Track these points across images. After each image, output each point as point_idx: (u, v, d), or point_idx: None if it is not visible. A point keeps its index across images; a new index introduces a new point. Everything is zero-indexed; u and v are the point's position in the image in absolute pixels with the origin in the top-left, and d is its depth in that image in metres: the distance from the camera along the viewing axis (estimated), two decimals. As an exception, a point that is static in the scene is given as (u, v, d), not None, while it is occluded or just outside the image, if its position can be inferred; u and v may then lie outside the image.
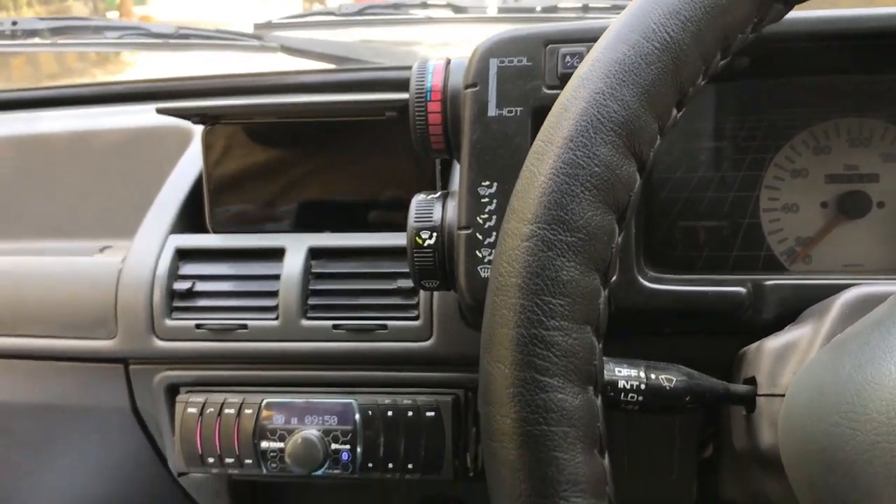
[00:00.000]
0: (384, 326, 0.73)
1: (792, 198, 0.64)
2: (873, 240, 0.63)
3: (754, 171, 0.64)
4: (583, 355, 0.35)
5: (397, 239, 0.75)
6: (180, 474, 0.79)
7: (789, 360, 0.48)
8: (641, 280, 0.57)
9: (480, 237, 0.57)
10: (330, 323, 0.73)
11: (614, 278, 0.57)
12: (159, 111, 0.76)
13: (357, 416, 0.72)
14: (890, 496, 0.31)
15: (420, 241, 0.60)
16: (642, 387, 0.47)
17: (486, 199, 0.57)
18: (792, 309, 0.54)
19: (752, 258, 0.64)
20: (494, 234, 0.57)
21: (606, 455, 0.36)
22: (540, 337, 0.35)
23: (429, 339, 0.72)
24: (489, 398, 0.36)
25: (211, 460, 0.74)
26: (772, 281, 0.57)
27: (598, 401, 0.36)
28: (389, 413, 0.71)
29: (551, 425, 0.34)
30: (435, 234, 0.60)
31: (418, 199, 0.62)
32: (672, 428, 0.69)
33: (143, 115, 0.95)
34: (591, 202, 0.36)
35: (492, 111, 0.57)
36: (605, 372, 0.47)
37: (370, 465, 0.71)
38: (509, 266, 0.36)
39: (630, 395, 0.47)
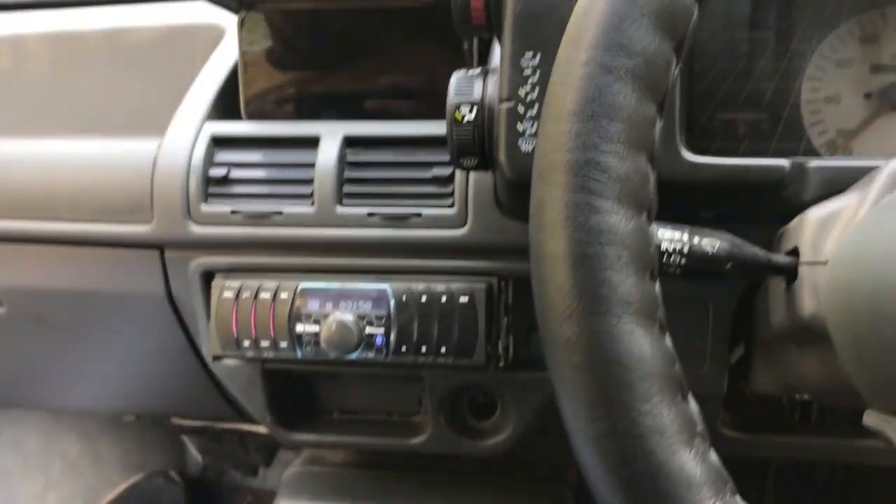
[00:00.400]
0: (418, 214, 0.73)
1: (835, 89, 0.63)
2: (917, 131, 0.62)
3: (796, 61, 0.63)
4: (637, 181, 0.35)
5: (432, 127, 0.74)
6: (215, 358, 0.80)
7: (833, 227, 0.47)
8: (685, 153, 0.57)
9: (522, 110, 0.57)
10: (365, 210, 0.74)
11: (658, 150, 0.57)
12: (197, -7, 0.76)
13: (391, 301, 0.72)
14: None
15: (459, 117, 0.60)
16: (685, 250, 0.46)
17: (529, 71, 0.56)
18: (834, 190, 0.53)
19: (791, 150, 0.63)
20: (536, 106, 0.56)
21: (658, 283, 0.36)
22: (595, 161, 0.35)
23: (463, 226, 0.72)
24: (541, 224, 0.36)
25: (246, 343, 0.75)
26: (815, 162, 0.56)
27: (651, 228, 0.36)
28: (423, 298, 0.72)
29: (604, 246, 0.34)
30: (475, 110, 0.60)
31: (458, 76, 0.62)
32: (706, 320, 0.69)
33: (177, 13, 0.95)
34: (650, 27, 0.36)
35: None
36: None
37: (403, 348, 0.72)
38: (564, 92, 0.36)
39: (673, 257, 0.46)
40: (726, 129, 0.64)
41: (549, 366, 0.37)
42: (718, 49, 0.64)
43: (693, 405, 0.36)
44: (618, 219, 0.35)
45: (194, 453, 1.50)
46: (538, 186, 0.37)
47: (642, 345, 0.34)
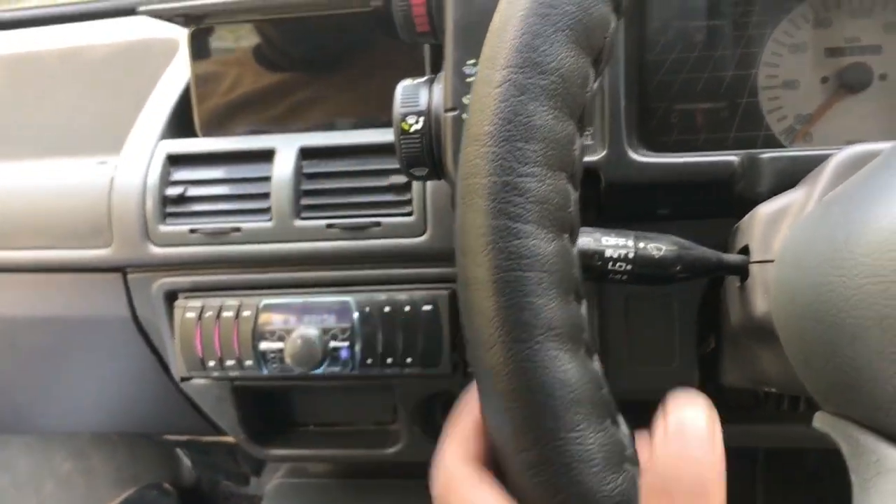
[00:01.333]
0: (378, 223, 0.72)
1: (791, 74, 0.62)
2: (875, 113, 0.61)
3: (752, 48, 0.62)
4: (557, 202, 0.34)
5: (388, 135, 0.73)
6: (183, 379, 0.79)
7: (782, 223, 0.47)
8: (631, 153, 0.56)
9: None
10: (324, 222, 0.73)
11: (604, 153, 0.56)
12: (142, 12, 0.75)
13: (355, 314, 0.72)
14: (874, 338, 0.31)
15: (407, 127, 0.59)
16: (630, 255, 0.46)
17: (473, 79, 0.55)
18: (788, 182, 0.52)
19: (750, 139, 0.62)
20: None
21: (584, 304, 0.36)
22: (512, 184, 0.34)
23: (423, 234, 0.72)
24: (464, 248, 0.35)
25: (212, 364, 0.74)
26: (768, 154, 0.55)
27: (574, 249, 0.35)
28: (386, 309, 0.71)
29: (525, 271, 0.33)
30: (422, 119, 0.59)
31: (404, 85, 0.60)
32: (672, 315, 0.68)
33: (131, 28, 0.93)
34: (564, 43, 0.34)
35: None
36: (592, 242, 0.46)
37: (369, 360, 0.71)
38: (480, 114, 0.35)
39: (618, 263, 0.46)
40: (684, 120, 0.63)
41: (478, 394, 0.36)
42: (672, 39, 0.62)
43: (623, 428, 0.35)
44: (537, 242, 0.34)
45: (187, 464, 1.50)
46: (460, 210, 0.36)
47: (567, 370, 0.33)
